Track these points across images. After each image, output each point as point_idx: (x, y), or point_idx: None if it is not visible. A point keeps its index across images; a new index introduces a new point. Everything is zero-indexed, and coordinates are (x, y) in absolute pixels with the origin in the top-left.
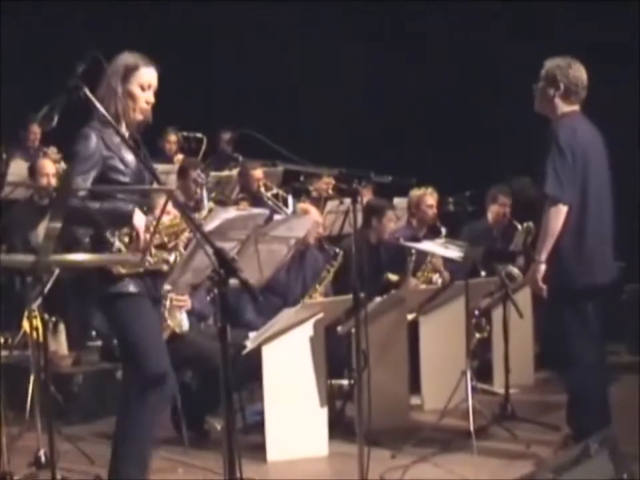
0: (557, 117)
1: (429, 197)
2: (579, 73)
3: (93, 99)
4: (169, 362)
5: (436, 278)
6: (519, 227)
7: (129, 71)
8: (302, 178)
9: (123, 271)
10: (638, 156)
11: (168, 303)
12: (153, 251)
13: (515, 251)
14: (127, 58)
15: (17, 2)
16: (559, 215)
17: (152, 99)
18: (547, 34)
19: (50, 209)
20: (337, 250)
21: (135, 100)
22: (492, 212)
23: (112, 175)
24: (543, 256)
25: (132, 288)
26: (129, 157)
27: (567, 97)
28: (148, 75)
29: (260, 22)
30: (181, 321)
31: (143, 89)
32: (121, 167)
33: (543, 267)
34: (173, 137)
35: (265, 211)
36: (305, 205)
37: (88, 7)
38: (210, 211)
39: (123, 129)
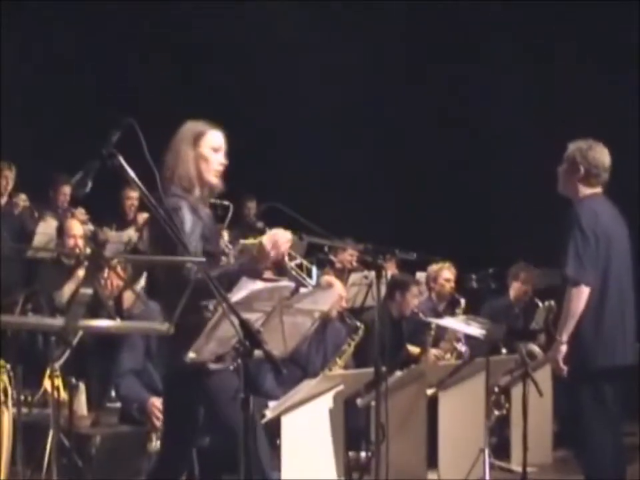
0: (578, 199)
1: (447, 271)
2: (600, 155)
3: (127, 167)
4: None
5: (460, 346)
6: (540, 304)
7: (199, 136)
8: (326, 249)
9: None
10: None
11: None
12: None
13: (536, 329)
14: (193, 125)
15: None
16: (580, 296)
17: (224, 161)
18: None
19: (84, 274)
20: (359, 324)
21: (208, 162)
22: (514, 289)
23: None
24: (565, 337)
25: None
26: (208, 222)
27: (588, 180)
28: (217, 138)
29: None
30: None
31: (215, 150)
32: (207, 233)
33: (564, 348)
34: None
35: (290, 284)
36: (329, 277)
37: (120, 77)
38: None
39: (197, 194)
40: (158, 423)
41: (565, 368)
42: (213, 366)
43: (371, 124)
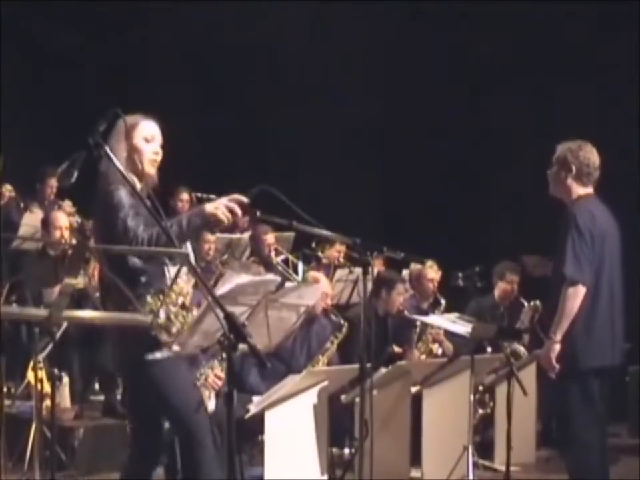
0: (572, 200)
1: (430, 271)
2: (590, 154)
3: (113, 157)
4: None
5: (436, 348)
6: (526, 304)
7: (131, 128)
8: (313, 244)
9: (168, 339)
10: None
11: (202, 379)
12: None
13: (522, 328)
14: (127, 119)
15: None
16: (576, 295)
17: (159, 150)
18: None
19: (66, 265)
20: (342, 322)
21: (140, 153)
22: (499, 289)
23: None
24: (558, 335)
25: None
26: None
27: (580, 179)
28: (149, 128)
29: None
30: (208, 403)
31: (147, 140)
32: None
33: (557, 347)
34: (185, 196)
35: (276, 278)
36: (315, 273)
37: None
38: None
39: (138, 188)
40: None
41: (557, 366)
42: (150, 356)
43: (363, 118)
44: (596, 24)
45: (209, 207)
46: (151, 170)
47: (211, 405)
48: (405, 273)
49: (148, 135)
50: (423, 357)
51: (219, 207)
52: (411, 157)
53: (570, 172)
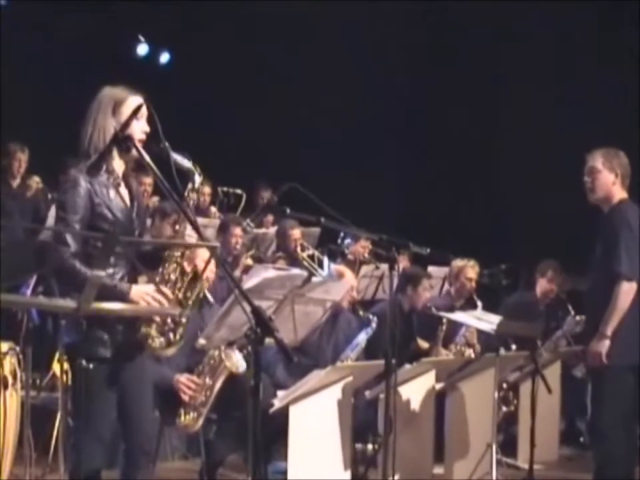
0: (613, 204)
1: (470, 270)
2: (626, 160)
3: (142, 151)
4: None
5: (469, 353)
6: (572, 314)
7: (118, 103)
8: (339, 240)
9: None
10: None
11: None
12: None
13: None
14: (110, 91)
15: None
16: (630, 291)
17: (147, 128)
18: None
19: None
20: (371, 316)
21: (130, 131)
22: (540, 286)
23: (99, 223)
24: (609, 331)
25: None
26: (119, 204)
27: (623, 183)
28: (137, 104)
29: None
30: (237, 361)
31: (136, 118)
32: (109, 215)
33: (607, 342)
34: (206, 189)
35: (303, 272)
36: (341, 268)
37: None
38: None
39: (116, 167)
40: (186, 398)
41: (605, 362)
42: (84, 363)
43: (391, 114)
44: None
45: (135, 293)
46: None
47: (241, 364)
48: (432, 269)
49: (137, 114)
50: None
51: (145, 297)
52: (438, 152)
53: (617, 176)
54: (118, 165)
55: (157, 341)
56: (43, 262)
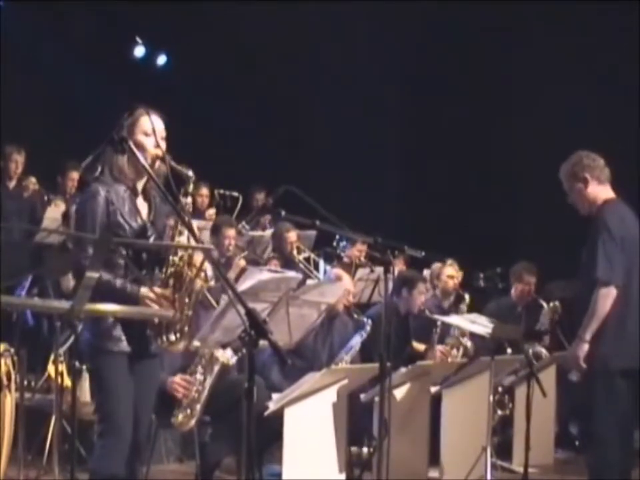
0: (598, 206)
1: (449, 268)
2: (590, 157)
3: (137, 152)
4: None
5: (465, 340)
6: (545, 305)
7: (132, 124)
8: (334, 243)
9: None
10: None
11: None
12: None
13: (542, 330)
14: (127, 115)
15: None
16: (608, 297)
17: (161, 144)
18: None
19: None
20: (366, 320)
21: (142, 148)
22: (516, 289)
23: (114, 230)
24: (588, 336)
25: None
26: (134, 214)
27: (598, 179)
28: (148, 122)
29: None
30: (227, 354)
31: (146, 134)
32: (123, 223)
33: (586, 347)
34: (204, 191)
35: (298, 275)
36: (339, 270)
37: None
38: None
39: (129, 184)
40: (179, 396)
41: (584, 366)
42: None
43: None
44: None
45: (142, 295)
46: (155, 164)
47: (232, 357)
48: (427, 272)
49: (147, 129)
50: (454, 351)
51: (150, 297)
52: (435, 156)
53: (586, 181)
54: (132, 174)
55: (168, 337)
56: (39, 263)
